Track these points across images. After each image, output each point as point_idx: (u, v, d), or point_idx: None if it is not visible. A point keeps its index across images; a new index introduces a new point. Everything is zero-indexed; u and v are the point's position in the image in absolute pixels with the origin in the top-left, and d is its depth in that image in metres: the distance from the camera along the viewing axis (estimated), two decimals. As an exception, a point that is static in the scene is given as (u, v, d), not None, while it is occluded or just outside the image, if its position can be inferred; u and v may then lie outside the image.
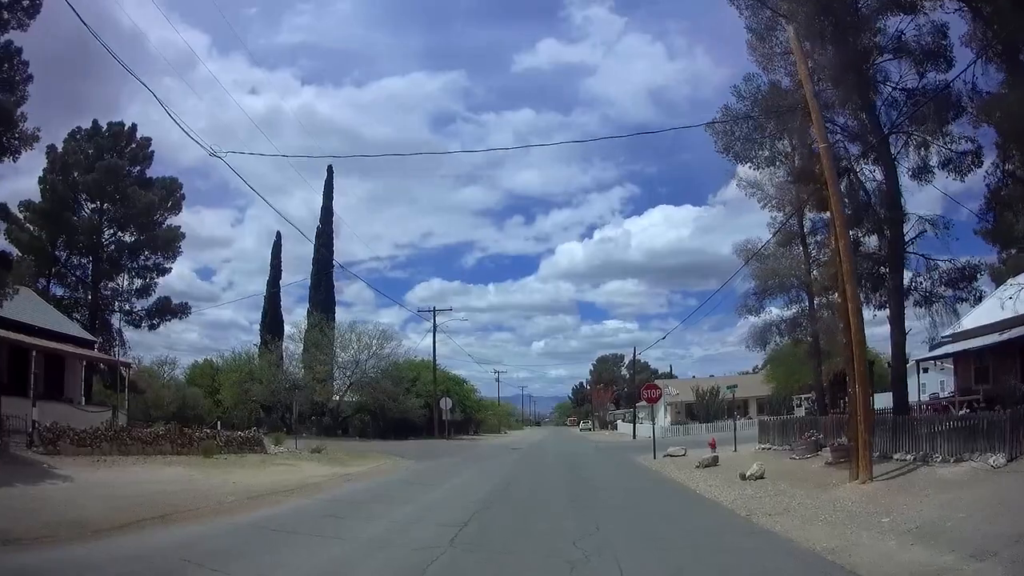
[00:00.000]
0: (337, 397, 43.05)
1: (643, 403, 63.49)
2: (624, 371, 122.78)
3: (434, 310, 44.18)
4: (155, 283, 40.11)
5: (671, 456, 23.88)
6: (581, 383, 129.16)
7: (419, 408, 43.05)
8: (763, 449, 23.77)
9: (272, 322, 52.69)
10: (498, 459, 25.53)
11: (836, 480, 14.04)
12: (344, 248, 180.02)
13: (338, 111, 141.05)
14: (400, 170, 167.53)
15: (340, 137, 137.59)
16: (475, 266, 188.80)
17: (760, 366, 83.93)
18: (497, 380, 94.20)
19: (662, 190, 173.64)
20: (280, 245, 57.21)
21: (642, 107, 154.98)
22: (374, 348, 43.51)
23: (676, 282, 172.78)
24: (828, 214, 18.92)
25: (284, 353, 47.49)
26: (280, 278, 55.77)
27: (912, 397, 23.62)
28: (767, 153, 18.03)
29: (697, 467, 18.86)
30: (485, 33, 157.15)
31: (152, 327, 41.02)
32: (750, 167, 19.72)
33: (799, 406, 47.53)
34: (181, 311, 40.36)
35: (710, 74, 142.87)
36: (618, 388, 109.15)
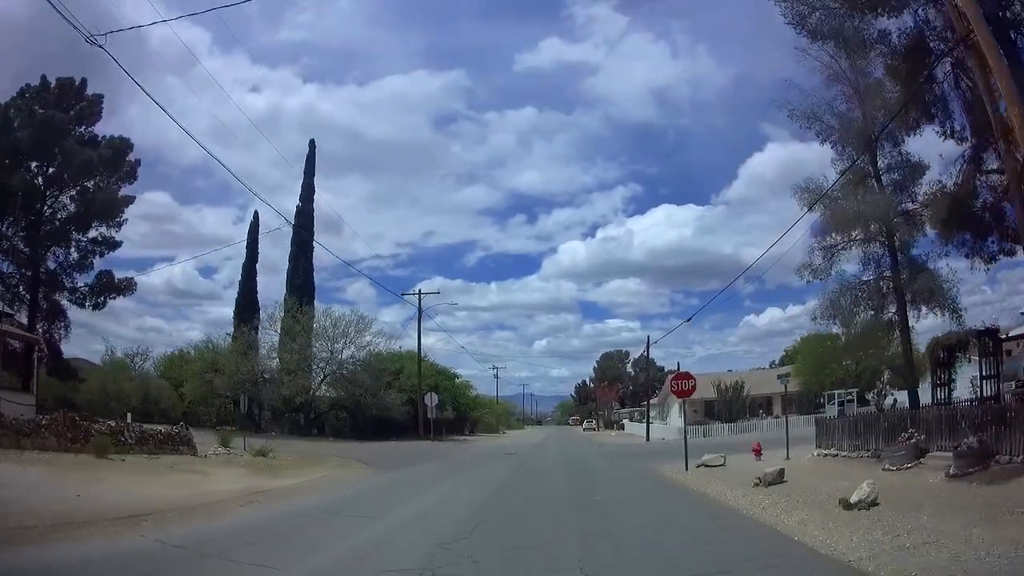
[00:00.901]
0: (313, 391, 37.67)
1: (656, 400, 58.00)
2: (629, 368, 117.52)
3: (419, 293, 38.94)
4: (95, 257, 34.99)
5: (707, 466, 18.44)
6: (584, 381, 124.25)
7: (401, 405, 37.58)
8: (826, 455, 18.40)
9: (247, 310, 47.60)
10: (485, 468, 20.08)
11: (1005, 502, 8.72)
12: (345, 247, 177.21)
13: (339, 109, 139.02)
14: (401, 169, 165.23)
15: (341, 136, 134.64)
16: (477, 265, 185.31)
17: (777, 361, 78.72)
18: (496, 376, 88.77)
19: (664, 190, 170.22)
20: (257, 226, 52.58)
21: (644, 107, 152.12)
22: (351, 335, 38.16)
23: (678, 282, 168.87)
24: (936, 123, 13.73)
25: (259, 343, 42.48)
26: (257, 261, 51.12)
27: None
28: (855, 29, 12.67)
29: (757, 485, 13.39)
30: (488, 32, 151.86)
31: (96, 306, 35.94)
32: (833, 47, 14.38)
33: (830, 402, 42.01)
34: (125, 287, 35.18)
35: (712, 74, 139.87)
36: (623, 386, 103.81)
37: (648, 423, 38.13)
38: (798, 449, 20.34)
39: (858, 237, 16.67)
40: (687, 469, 18.06)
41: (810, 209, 16.71)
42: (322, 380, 37.50)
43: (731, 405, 38.34)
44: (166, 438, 21.15)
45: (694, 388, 18.79)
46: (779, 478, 13.60)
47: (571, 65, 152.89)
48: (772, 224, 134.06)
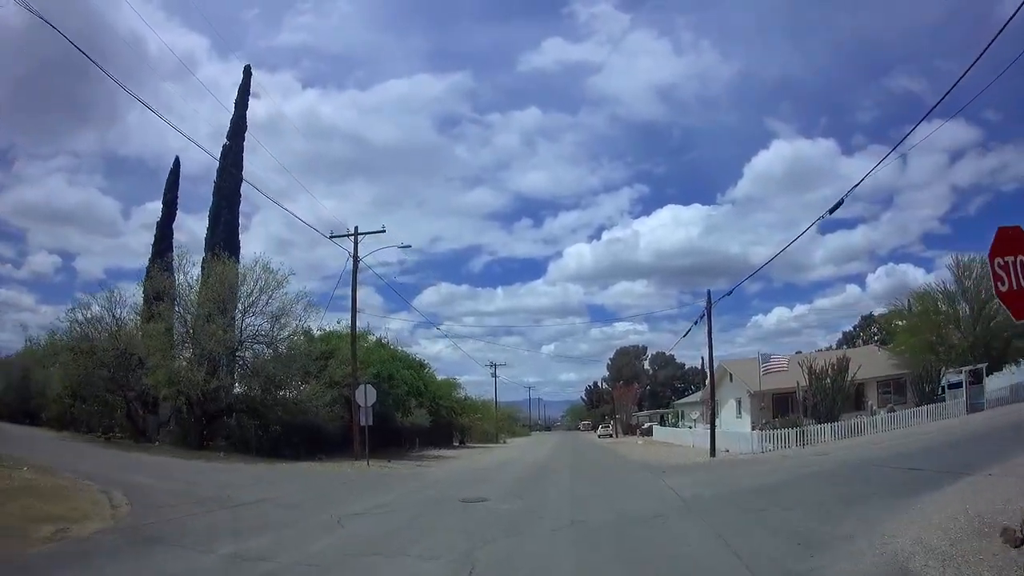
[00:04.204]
0: (207, 381, 24.59)
1: (698, 397, 43.64)
2: (647, 365, 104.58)
3: (355, 233, 25.77)
4: None
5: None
6: (595, 383, 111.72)
7: (327, 405, 24.68)
8: None
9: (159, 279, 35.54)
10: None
11: None
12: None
13: (341, 113, 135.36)
14: (406, 173, 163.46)
15: (343, 140, 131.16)
16: (484, 270, 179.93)
17: (834, 344, 64.37)
18: (494, 375, 75.45)
19: (670, 190, 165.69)
20: (178, 174, 40.46)
21: (648, 105, 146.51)
22: (254, 297, 25.34)
23: (685, 283, 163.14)
24: None
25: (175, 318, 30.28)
26: (174, 219, 39.22)
27: None
28: None
29: None
30: (490, 33, 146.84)
31: None
32: None
33: (954, 385, 28.66)
34: None
35: (717, 71, 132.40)
36: (641, 386, 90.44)
37: (713, 428, 24.69)
38: None
39: None
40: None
41: None
42: (212, 366, 24.48)
43: (832, 396, 25.27)
44: None
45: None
46: None
47: (575, 65, 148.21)
48: (779, 222, 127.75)
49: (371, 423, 21.88)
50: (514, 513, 10.46)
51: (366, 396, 21.53)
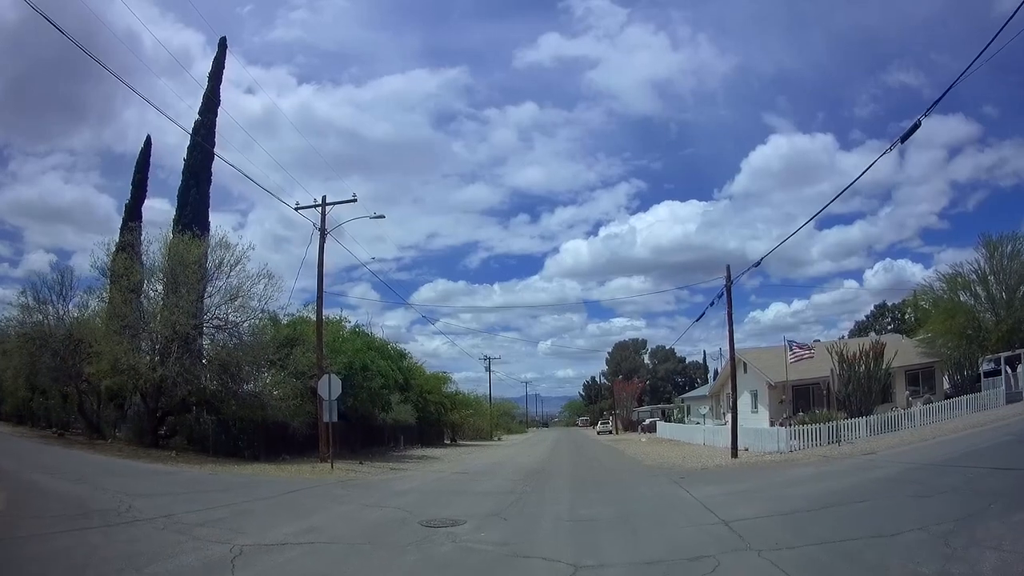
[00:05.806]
0: (155, 372, 21.43)
1: (708, 390, 40.64)
2: (647, 359, 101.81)
3: (324, 204, 22.44)
4: None
5: None
6: (593, 377, 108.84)
7: (293, 398, 21.55)
8: None
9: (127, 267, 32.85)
10: None
11: None
12: (350, 247, 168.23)
13: (336, 110, 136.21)
14: (403, 170, 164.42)
15: (339, 136, 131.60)
16: (480, 266, 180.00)
17: (851, 332, 60.71)
18: (488, 369, 72.37)
19: (668, 185, 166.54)
20: (148, 155, 37.57)
21: (645, 100, 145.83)
22: (210, 274, 22.20)
23: (682, 278, 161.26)
24: None
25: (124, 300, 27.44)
26: (144, 201, 36.01)
27: None
28: None
29: None
30: (486, 29, 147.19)
31: None
32: None
33: (989, 373, 25.67)
34: None
35: (714, 65, 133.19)
36: (641, 380, 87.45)
37: (735, 423, 21.34)
38: None
39: None
40: None
41: None
42: (162, 354, 21.39)
43: (868, 386, 22.21)
44: None
45: None
46: None
47: (571, 60, 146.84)
48: (777, 217, 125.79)
49: (335, 419, 18.79)
50: (492, 550, 7.25)
51: (330, 388, 18.40)
